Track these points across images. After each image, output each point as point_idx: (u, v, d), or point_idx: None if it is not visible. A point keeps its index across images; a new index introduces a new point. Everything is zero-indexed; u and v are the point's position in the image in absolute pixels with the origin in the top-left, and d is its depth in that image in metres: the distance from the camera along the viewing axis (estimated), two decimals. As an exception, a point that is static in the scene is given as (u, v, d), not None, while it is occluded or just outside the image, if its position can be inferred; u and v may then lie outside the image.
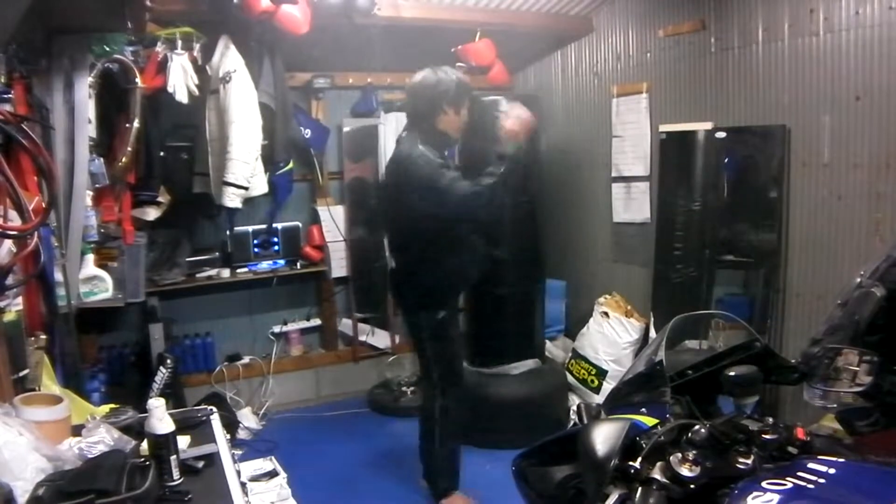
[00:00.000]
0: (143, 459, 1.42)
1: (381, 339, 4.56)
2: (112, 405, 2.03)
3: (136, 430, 1.61)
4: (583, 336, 4.01)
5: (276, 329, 4.38)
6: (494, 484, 3.10)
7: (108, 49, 2.51)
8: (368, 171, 4.38)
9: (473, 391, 3.54)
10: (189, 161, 3.69)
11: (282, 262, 4.22)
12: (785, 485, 1.05)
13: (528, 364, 3.72)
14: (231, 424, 3.69)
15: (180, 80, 3.20)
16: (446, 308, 2.95)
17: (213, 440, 1.74)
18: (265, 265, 4.15)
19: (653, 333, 3.67)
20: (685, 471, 1.15)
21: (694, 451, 1.17)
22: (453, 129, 2.88)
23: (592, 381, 3.87)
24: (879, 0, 2.71)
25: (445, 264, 2.91)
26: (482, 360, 3.76)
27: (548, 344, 4.14)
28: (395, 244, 3.09)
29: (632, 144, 3.91)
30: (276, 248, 4.20)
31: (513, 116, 2.83)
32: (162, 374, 3.54)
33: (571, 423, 3.54)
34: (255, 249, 4.15)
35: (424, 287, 2.94)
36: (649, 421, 1.32)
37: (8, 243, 1.64)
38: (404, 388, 4.26)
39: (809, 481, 1.06)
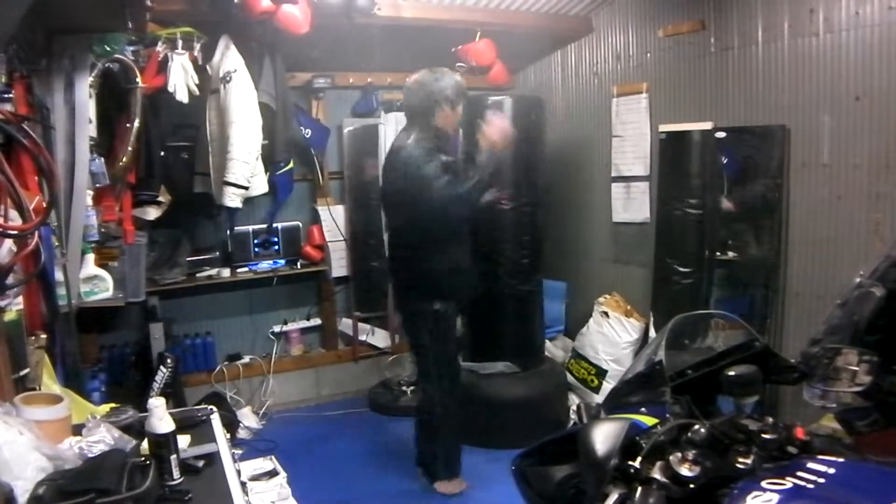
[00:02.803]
0: (143, 459, 1.42)
1: (381, 338, 4.56)
2: (112, 404, 2.02)
3: (137, 430, 1.60)
4: (583, 336, 4.01)
5: (277, 329, 4.38)
6: (493, 483, 3.11)
7: (108, 49, 2.51)
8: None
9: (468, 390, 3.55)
10: (189, 161, 3.70)
11: (282, 261, 4.22)
12: (784, 484, 1.05)
13: (499, 366, 3.66)
14: (231, 424, 3.69)
15: (181, 80, 3.20)
16: (443, 301, 2.98)
17: (214, 440, 1.73)
18: (265, 265, 4.15)
19: (653, 333, 3.67)
20: (685, 470, 1.15)
21: (694, 451, 1.17)
22: (450, 125, 2.97)
23: (592, 381, 3.87)
24: (879, 0, 2.71)
25: (441, 257, 2.94)
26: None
27: (548, 344, 4.13)
28: (393, 236, 3.14)
29: (632, 144, 3.91)
30: (277, 247, 4.21)
31: (493, 125, 2.99)
32: (162, 374, 3.54)
33: (571, 422, 3.55)
34: (256, 249, 4.15)
35: (421, 277, 2.97)
36: (649, 421, 1.32)
37: (8, 243, 1.64)
38: (404, 388, 4.25)
39: (809, 481, 1.07)
